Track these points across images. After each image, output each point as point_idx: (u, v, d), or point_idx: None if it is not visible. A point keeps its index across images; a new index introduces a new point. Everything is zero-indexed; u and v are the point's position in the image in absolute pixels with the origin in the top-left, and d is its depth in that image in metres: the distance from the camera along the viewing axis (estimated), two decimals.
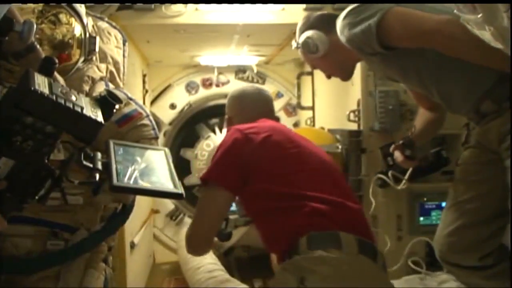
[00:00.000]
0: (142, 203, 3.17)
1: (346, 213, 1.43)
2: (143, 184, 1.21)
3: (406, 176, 2.27)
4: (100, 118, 1.04)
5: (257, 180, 1.45)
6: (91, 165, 1.16)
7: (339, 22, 1.59)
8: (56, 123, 0.96)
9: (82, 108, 0.99)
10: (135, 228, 3.01)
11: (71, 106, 0.96)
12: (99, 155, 1.17)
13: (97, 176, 1.17)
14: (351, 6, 1.55)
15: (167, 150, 1.40)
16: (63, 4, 1.60)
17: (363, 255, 1.33)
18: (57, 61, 1.08)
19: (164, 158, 1.36)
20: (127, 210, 1.89)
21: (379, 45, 1.47)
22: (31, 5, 1.56)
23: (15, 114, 0.92)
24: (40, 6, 1.57)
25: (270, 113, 1.81)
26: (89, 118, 1.00)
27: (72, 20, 1.61)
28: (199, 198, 1.53)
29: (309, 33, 1.86)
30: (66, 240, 1.65)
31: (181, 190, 1.27)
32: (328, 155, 1.78)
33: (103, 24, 1.89)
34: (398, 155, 2.10)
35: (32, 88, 0.90)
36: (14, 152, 0.96)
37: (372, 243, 1.42)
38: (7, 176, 0.97)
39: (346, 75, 1.95)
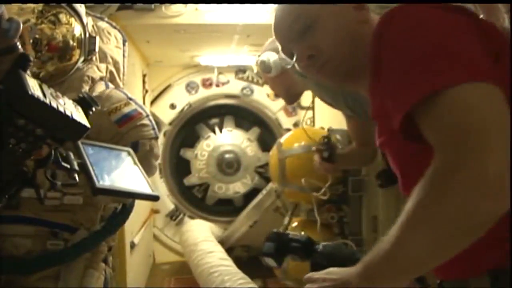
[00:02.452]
0: (142, 203, 3.17)
1: None
2: (122, 186, 1.21)
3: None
4: (86, 122, 1.07)
5: None
6: (68, 166, 1.14)
7: None
8: (47, 126, 0.99)
9: (71, 113, 1.02)
10: (135, 228, 3.01)
11: (62, 110, 0.99)
12: (72, 155, 1.16)
13: (76, 177, 1.16)
14: None
15: (131, 150, 1.37)
16: (63, 4, 1.59)
17: None
18: (31, 59, 1.10)
19: (131, 159, 1.34)
20: (127, 210, 1.89)
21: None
22: (31, 5, 1.56)
23: (9, 116, 0.93)
24: (40, 6, 1.56)
25: None
26: (79, 123, 1.03)
27: (72, 20, 1.60)
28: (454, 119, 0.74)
29: (268, 54, 1.98)
30: (66, 240, 1.65)
31: (156, 192, 1.28)
32: None
33: (103, 24, 1.89)
34: (316, 157, 2.08)
35: (30, 93, 0.92)
36: (5, 154, 0.98)
37: None
38: None
39: (289, 100, 2.09)
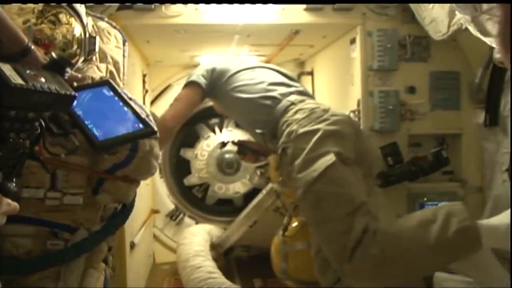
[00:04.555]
0: (142, 203, 3.17)
1: None
2: (118, 132, 1.18)
3: None
4: (70, 90, 1.04)
5: None
6: (63, 131, 1.13)
7: None
8: (37, 109, 0.98)
9: (55, 87, 1.00)
10: (135, 228, 3.01)
11: (47, 89, 0.97)
12: (61, 116, 1.13)
13: (75, 140, 1.15)
14: None
15: (108, 79, 1.30)
16: (63, 4, 1.60)
17: None
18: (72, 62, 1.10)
19: (112, 91, 1.26)
20: (127, 210, 1.89)
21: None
22: (31, 5, 1.56)
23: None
24: (40, 6, 1.56)
25: None
26: (65, 95, 1.02)
27: (72, 20, 1.61)
28: None
29: None
30: (66, 240, 1.65)
31: (152, 124, 1.25)
32: None
33: (103, 24, 1.89)
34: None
35: (13, 85, 0.90)
36: (10, 150, 0.97)
37: None
38: None
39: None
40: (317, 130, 2.09)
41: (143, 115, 1.23)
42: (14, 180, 1.06)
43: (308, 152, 2.05)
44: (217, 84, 2.55)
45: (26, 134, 0.98)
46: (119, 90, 1.25)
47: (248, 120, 2.52)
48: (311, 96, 2.55)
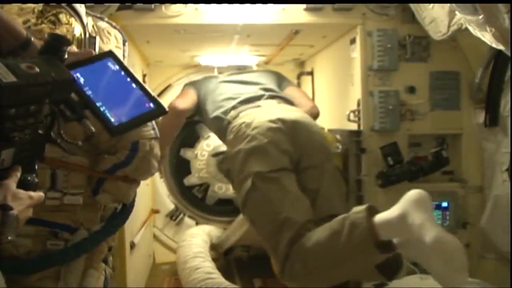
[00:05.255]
0: (142, 203, 3.17)
1: None
2: (132, 113, 1.11)
3: None
4: (68, 74, 1.01)
5: None
6: (76, 115, 1.08)
7: None
8: (36, 100, 0.95)
9: (52, 76, 0.96)
10: (135, 228, 3.01)
11: (40, 79, 0.94)
12: (72, 99, 1.08)
13: (90, 125, 1.09)
14: None
15: (111, 51, 1.22)
16: (63, 4, 1.60)
17: None
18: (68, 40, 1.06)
19: (116, 64, 1.19)
20: (127, 210, 1.89)
21: None
22: (31, 5, 1.56)
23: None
24: (40, 6, 1.57)
25: None
26: (62, 81, 0.99)
27: (72, 20, 1.61)
28: None
29: None
30: (66, 240, 1.65)
31: (162, 103, 1.17)
32: None
33: (103, 24, 1.89)
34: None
35: (3, 84, 0.86)
36: (18, 145, 0.96)
37: None
38: (13, 161, 0.97)
39: None
40: (238, 152, 2.24)
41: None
42: (35, 169, 1.06)
43: (237, 175, 2.24)
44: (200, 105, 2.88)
45: (31, 128, 0.96)
46: (124, 63, 1.19)
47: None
48: (270, 95, 2.64)
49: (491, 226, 2.51)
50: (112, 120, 1.06)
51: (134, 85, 1.15)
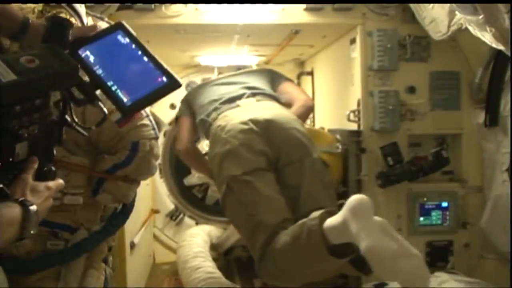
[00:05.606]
0: (142, 203, 3.16)
1: None
2: (144, 89, 1.06)
3: None
4: (72, 62, 0.99)
5: None
6: (87, 98, 1.05)
7: None
8: (40, 94, 0.94)
9: (54, 67, 0.94)
10: (135, 228, 3.01)
11: (42, 73, 0.91)
12: (83, 78, 1.05)
13: (103, 106, 1.06)
14: None
15: (120, 22, 1.16)
16: (63, 4, 1.59)
17: None
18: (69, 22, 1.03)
19: (127, 36, 1.14)
20: (127, 210, 1.89)
21: None
22: (31, 5, 1.56)
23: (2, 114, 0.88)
24: (40, 6, 1.56)
25: None
26: (65, 72, 0.97)
27: (72, 20, 1.61)
28: None
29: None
30: (66, 240, 1.65)
31: (176, 76, 1.13)
32: None
33: (103, 24, 1.89)
34: None
35: (3, 84, 0.85)
36: (30, 143, 0.96)
37: None
38: (29, 152, 0.97)
39: None
40: (215, 156, 2.30)
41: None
42: (52, 157, 1.05)
43: (216, 178, 2.32)
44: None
45: (38, 124, 0.95)
46: (135, 34, 1.15)
47: None
48: (252, 93, 2.66)
49: (491, 226, 2.51)
50: (125, 100, 1.03)
51: (145, 58, 1.11)
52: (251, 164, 2.16)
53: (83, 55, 1.08)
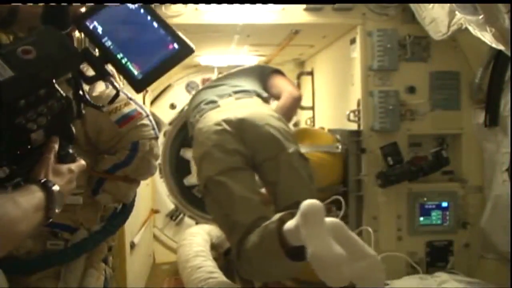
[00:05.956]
0: (142, 203, 3.16)
1: None
2: (155, 58, 1.01)
3: None
4: (71, 47, 0.96)
5: None
6: (98, 74, 1.01)
7: None
8: (42, 85, 0.91)
9: (50, 57, 0.91)
10: (135, 228, 3.01)
11: (41, 64, 0.89)
12: (92, 55, 1.01)
13: (114, 82, 1.04)
14: None
15: None
16: (63, 4, 1.59)
17: None
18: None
19: (137, 4, 1.09)
20: (127, 210, 1.89)
21: None
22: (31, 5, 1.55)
23: (8, 112, 0.86)
24: None
25: None
26: (63, 59, 0.94)
27: None
28: None
29: None
30: (66, 240, 1.65)
31: (188, 41, 1.07)
32: None
33: None
34: None
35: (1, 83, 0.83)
36: (40, 134, 0.95)
37: None
38: (46, 135, 0.97)
39: None
40: (195, 158, 2.43)
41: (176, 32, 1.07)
42: (72, 136, 1.03)
43: (198, 180, 2.44)
44: None
45: (45, 116, 0.92)
46: None
47: None
48: (234, 91, 2.67)
49: (491, 226, 2.51)
50: (135, 72, 1.00)
51: (155, 24, 1.06)
52: (224, 164, 2.22)
53: (91, 27, 1.03)
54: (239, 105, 2.53)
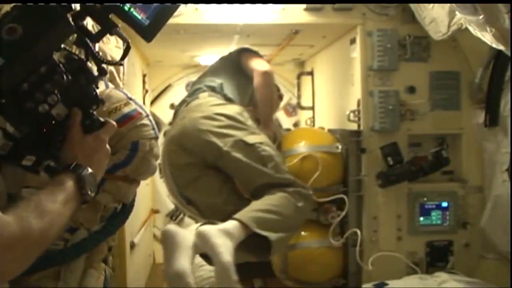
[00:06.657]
0: (142, 203, 3.17)
1: None
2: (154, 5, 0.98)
3: None
4: (58, 14, 0.91)
5: None
6: (105, 28, 0.98)
7: None
8: (40, 62, 0.88)
9: (37, 32, 0.86)
10: (135, 228, 3.01)
11: (29, 40, 0.84)
12: (95, 8, 0.97)
13: (123, 33, 1.02)
14: None
15: None
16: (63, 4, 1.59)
17: None
18: None
19: None
20: (127, 210, 1.88)
21: None
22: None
23: (15, 99, 0.83)
24: None
25: None
26: (53, 31, 0.88)
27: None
28: None
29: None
30: (66, 240, 1.65)
31: None
32: None
33: None
34: None
35: None
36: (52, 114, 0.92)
37: None
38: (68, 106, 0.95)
39: None
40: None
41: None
42: (96, 100, 1.01)
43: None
44: None
45: (54, 93, 0.89)
46: None
47: None
48: (189, 95, 2.67)
49: (491, 226, 2.51)
50: (140, 17, 0.99)
51: None
52: (183, 180, 2.47)
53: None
54: (183, 115, 2.51)
